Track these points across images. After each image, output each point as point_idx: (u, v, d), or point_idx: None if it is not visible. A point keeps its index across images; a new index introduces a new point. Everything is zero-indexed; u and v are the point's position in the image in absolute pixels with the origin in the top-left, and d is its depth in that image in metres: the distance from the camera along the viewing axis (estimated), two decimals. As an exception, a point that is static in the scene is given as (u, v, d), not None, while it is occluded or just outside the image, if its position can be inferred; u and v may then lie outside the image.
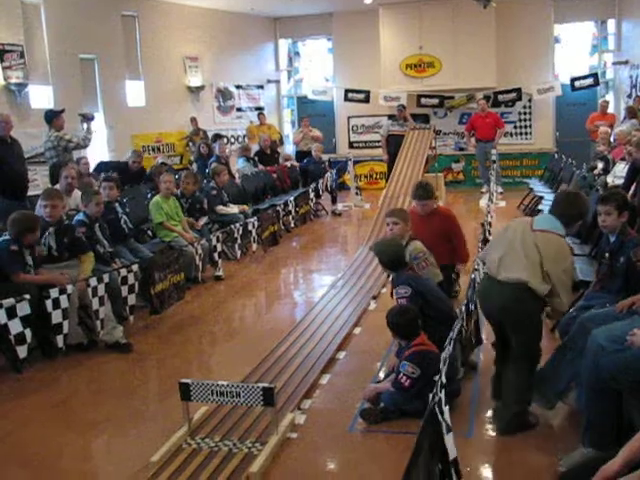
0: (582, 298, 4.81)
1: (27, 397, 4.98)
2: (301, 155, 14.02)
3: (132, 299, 6.11)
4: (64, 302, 5.39)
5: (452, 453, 2.76)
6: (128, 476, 3.74)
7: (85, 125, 8.95)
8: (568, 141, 14.74)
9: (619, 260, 4.31)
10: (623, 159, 8.69)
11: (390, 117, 14.77)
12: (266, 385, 3.97)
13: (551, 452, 3.77)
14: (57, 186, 7.36)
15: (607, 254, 4.47)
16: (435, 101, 15.34)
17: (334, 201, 12.94)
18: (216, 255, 7.93)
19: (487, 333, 5.59)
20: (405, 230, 5.38)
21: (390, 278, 5.16)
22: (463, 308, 4.34)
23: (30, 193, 8.09)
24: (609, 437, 3.36)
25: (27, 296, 5.09)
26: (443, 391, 2.95)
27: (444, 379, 3.09)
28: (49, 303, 5.29)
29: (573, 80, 14.79)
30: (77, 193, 7.43)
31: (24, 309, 5.05)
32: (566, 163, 11.24)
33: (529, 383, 4.05)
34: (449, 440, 2.74)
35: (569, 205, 4.08)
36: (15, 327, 4.99)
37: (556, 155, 12.81)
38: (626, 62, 14.40)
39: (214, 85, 15.07)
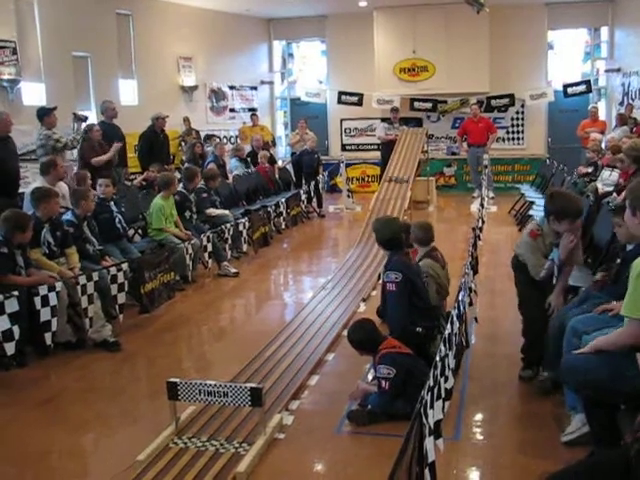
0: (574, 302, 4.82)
1: (15, 394, 4.96)
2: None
3: (122, 298, 6.09)
4: (53, 300, 5.36)
5: (430, 456, 2.76)
6: (114, 475, 3.71)
7: (76, 125, 8.90)
8: (560, 147, 14.78)
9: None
10: (609, 166, 8.74)
11: (383, 120, 14.79)
12: (254, 385, 3.97)
13: (538, 455, 3.78)
14: (38, 183, 7.22)
15: (619, 260, 4.43)
16: (428, 105, 15.34)
17: (319, 204, 12.92)
18: (228, 252, 8.31)
19: (476, 336, 5.62)
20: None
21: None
22: (454, 312, 4.34)
23: (21, 190, 8.04)
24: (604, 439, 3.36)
25: (15, 293, 5.06)
26: (429, 394, 2.96)
27: (431, 381, 3.09)
28: (38, 300, 5.25)
29: (566, 87, 14.83)
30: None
31: (12, 306, 5.02)
32: (557, 169, 11.28)
33: (529, 339, 4.72)
34: (430, 443, 2.74)
35: (546, 200, 4.54)
36: (3, 324, 4.96)
37: (548, 161, 12.85)
38: (618, 70, 14.48)
39: (207, 85, 15.02)
